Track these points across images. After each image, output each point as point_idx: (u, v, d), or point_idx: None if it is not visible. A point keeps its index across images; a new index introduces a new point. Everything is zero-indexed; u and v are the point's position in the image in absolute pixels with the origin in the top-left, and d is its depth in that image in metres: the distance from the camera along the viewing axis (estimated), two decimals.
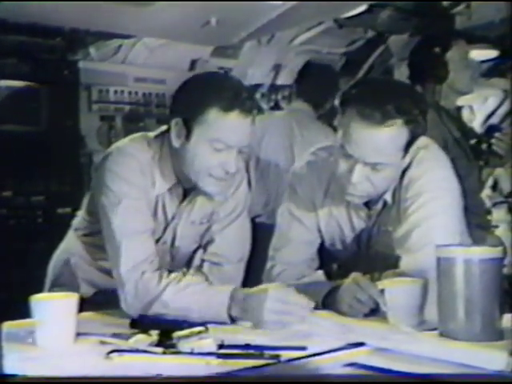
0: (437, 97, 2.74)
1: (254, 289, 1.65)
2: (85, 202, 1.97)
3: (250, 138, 1.74)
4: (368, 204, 1.89)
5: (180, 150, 1.74)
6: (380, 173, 1.73)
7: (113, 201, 1.73)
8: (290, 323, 1.55)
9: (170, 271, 1.78)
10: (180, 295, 1.64)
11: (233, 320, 1.61)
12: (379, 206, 1.88)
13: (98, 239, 1.83)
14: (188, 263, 1.96)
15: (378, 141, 1.68)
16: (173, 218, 1.85)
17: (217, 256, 1.89)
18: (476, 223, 2.40)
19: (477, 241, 1.99)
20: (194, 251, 1.96)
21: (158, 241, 1.85)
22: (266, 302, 1.55)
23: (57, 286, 1.95)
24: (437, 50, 2.69)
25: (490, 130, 2.78)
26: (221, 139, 1.68)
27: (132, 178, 1.74)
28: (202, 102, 1.68)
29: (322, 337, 1.49)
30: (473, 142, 2.73)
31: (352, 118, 1.69)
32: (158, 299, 1.63)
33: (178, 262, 1.93)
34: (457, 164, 1.94)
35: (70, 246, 2.04)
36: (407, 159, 1.79)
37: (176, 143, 1.74)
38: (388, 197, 1.86)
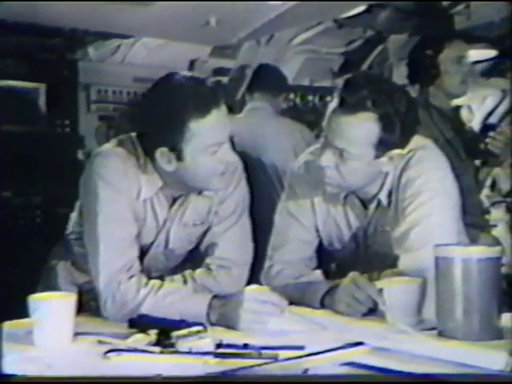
0: (430, 97, 2.74)
1: (232, 294, 1.65)
2: (77, 204, 1.94)
3: (230, 123, 1.74)
4: (364, 203, 1.90)
5: (175, 172, 1.72)
6: (347, 163, 1.76)
7: (96, 206, 1.71)
8: (266, 322, 1.56)
9: (160, 277, 1.78)
10: (159, 306, 1.63)
11: (212, 325, 1.59)
12: (374, 205, 1.88)
13: None
14: (184, 263, 1.94)
15: (347, 128, 1.74)
16: (165, 222, 1.83)
17: (224, 260, 1.86)
18: (470, 223, 2.40)
19: (470, 240, 1.99)
20: (191, 252, 1.94)
21: (151, 244, 1.84)
22: (243, 302, 1.57)
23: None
24: (430, 50, 2.70)
25: (486, 129, 2.77)
26: (213, 142, 1.68)
27: (117, 182, 1.73)
28: (179, 118, 1.65)
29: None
30: (469, 141, 2.73)
31: (333, 103, 1.77)
32: (136, 310, 1.62)
33: (172, 262, 1.91)
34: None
35: (65, 250, 2.00)
36: (403, 160, 1.81)
37: (169, 168, 1.71)
38: (383, 196, 1.86)
